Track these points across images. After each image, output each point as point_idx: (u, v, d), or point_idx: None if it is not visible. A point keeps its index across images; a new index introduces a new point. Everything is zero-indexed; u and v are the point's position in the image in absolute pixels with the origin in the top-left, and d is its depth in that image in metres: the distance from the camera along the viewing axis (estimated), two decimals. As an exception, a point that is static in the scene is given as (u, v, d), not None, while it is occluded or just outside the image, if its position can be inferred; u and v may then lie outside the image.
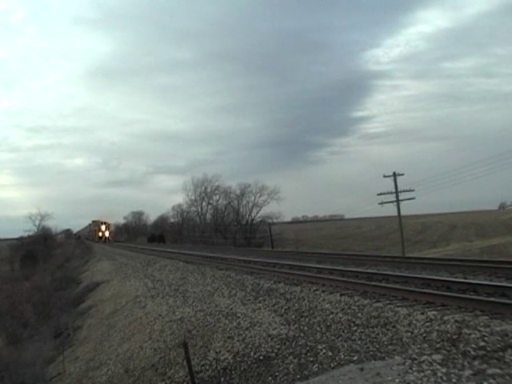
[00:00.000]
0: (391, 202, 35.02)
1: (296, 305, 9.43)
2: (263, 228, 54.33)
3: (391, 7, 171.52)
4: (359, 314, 7.79)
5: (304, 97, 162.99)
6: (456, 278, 10.26)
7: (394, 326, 6.87)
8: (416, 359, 5.56)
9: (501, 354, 5.20)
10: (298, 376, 6.74)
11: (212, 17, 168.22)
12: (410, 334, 6.47)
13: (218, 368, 8.40)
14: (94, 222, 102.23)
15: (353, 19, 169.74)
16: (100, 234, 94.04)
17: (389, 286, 9.49)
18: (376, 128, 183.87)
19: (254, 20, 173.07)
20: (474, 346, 5.51)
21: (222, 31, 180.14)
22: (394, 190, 34.62)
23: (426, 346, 5.94)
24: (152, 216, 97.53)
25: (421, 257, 21.46)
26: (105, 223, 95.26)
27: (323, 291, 9.94)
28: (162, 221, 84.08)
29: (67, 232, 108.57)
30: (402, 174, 35.01)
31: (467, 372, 4.94)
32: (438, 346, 5.85)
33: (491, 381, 4.66)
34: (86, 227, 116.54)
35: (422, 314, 6.96)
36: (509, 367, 4.89)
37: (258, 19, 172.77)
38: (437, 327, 6.33)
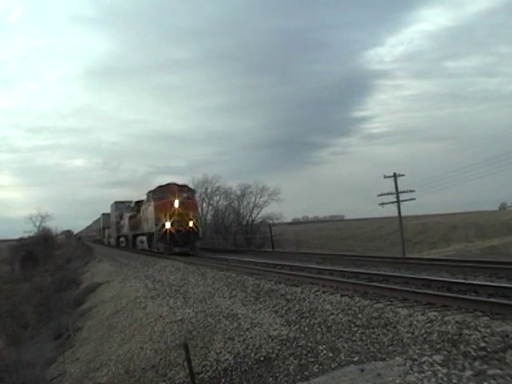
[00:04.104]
0: (392, 202, 35.05)
1: (297, 306, 9.43)
2: (264, 229, 54.33)
3: (393, 5, 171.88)
4: (360, 315, 7.79)
5: (305, 96, 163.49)
6: (456, 278, 10.27)
7: (394, 327, 6.87)
8: (417, 360, 5.56)
9: (501, 354, 5.20)
10: (299, 377, 6.74)
11: (211, 15, 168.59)
12: (410, 334, 6.47)
13: (219, 369, 8.40)
14: (117, 203, 48.22)
15: (354, 18, 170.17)
16: (168, 224, 25.31)
17: (389, 286, 9.50)
18: (378, 128, 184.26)
19: (254, 19, 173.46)
20: (474, 346, 5.51)
21: (222, 30, 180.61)
22: (394, 191, 34.66)
23: (426, 346, 5.94)
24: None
25: (421, 257, 21.48)
26: (182, 188, 27.74)
27: (324, 292, 9.95)
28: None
29: (68, 233, 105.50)
30: (403, 175, 35.08)
31: (468, 373, 4.94)
32: (438, 346, 5.85)
33: (492, 381, 4.67)
34: (95, 223, 77.06)
35: (423, 314, 6.96)
36: (509, 368, 4.89)
37: (258, 18, 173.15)
38: (437, 328, 6.33)
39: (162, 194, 27.05)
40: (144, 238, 31.23)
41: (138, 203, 34.92)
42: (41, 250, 56.96)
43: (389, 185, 34.69)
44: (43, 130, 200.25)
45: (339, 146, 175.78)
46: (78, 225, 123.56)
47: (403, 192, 34.58)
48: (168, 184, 27.78)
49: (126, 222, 40.31)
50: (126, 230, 41.12)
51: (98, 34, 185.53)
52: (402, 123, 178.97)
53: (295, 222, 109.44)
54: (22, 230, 71.36)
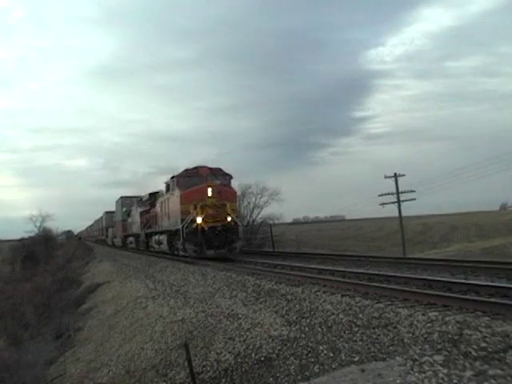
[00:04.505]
0: (392, 202, 35.10)
1: (297, 306, 9.42)
2: (264, 229, 54.34)
3: (394, 5, 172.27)
4: (360, 315, 7.78)
5: (306, 96, 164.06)
6: (457, 278, 10.26)
7: (395, 327, 6.87)
8: (417, 360, 5.56)
9: (502, 354, 5.20)
10: (299, 377, 6.74)
11: (213, 16, 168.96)
12: (411, 334, 6.46)
13: (219, 369, 8.40)
14: (123, 199, 44.07)
15: (355, 18, 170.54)
16: (200, 219, 19.45)
17: (390, 286, 9.49)
18: (378, 128, 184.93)
19: (255, 19, 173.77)
20: (475, 346, 5.51)
21: (223, 30, 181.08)
22: (395, 191, 34.68)
23: (427, 346, 5.94)
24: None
25: (422, 257, 21.46)
26: (216, 171, 21.82)
27: (324, 292, 9.93)
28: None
29: (68, 233, 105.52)
30: (404, 175, 35.13)
31: (468, 373, 4.94)
32: (439, 346, 5.84)
33: (492, 381, 4.67)
34: (96, 222, 75.19)
35: (423, 314, 6.95)
36: (510, 368, 4.89)
37: (259, 18, 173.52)
38: (438, 328, 6.32)
39: (190, 179, 21.14)
40: (163, 238, 24.78)
41: (154, 195, 29.52)
42: (41, 251, 57.00)
43: (390, 185, 34.76)
44: (44, 130, 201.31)
45: (340, 146, 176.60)
46: (79, 225, 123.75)
47: (404, 192, 34.64)
48: (197, 167, 21.70)
49: (136, 218, 34.33)
50: (136, 228, 34.94)
51: (99, 35, 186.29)
52: (403, 123, 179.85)
53: (296, 223, 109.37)
54: (22, 231, 71.54)
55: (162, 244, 25.24)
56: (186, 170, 21.76)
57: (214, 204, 19.83)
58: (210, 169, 21.69)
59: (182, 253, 21.41)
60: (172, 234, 22.73)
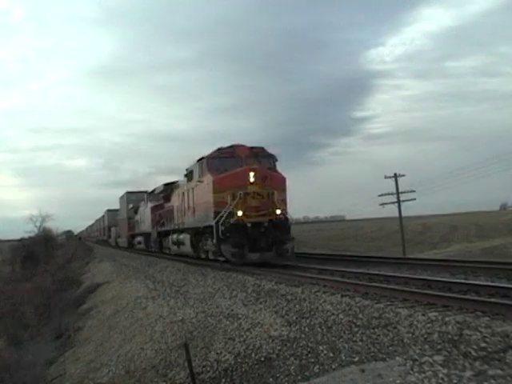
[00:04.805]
0: (392, 203, 35.11)
1: (297, 306, 9.43)
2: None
3: (394, 5, 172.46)
4: (360, 315, 7.79)
5: (306, 96, 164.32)
6: (457, 278, 10.27)
7: (395, 327, 6.87)
8: (417, 360, 5.56)
9: (502, 354, 5.20)
10: (299, 377, 6.74)
11: (213, 16, 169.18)
12: (411, 335, 6.47)
13: (219, 369, 8.40)
14: (129, 194, 41.87)
15: (355, 18, 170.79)
16: (240, 212, 15.10)
17: (390, 287, 9.50)
18: (379, 128, 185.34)
19: (255, 19, 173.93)
20: (475, 346, 5.51)
21: (223, 30, 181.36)
22: (395, 191, 34.71)
23: (427, 347, 5.94)
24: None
25: (422, 257, 21.48)
26: (259, 151, 16.94)
27: (324, 292, 9.95)
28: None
29: (68, 233, 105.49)
30: (403, 175, 35.14)
31: (468, 373, 4.94)
32: (439, 347, 5.85)
33: (492, 381, 4.67)
34: (97, 221, 72.89)
35: (423, 315, 6.96)
36: (510, 368, 4.90)
37: (259, 18, 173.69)
38: (438, 328, 6.33)
39: (224, 161, 16.49)
40: (184, 237, 20.26)
41: (170, 186, 24.89)
42: (41, 251, 56.98)
43: (390, 185, 34.79)
44: (44, 130, 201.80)
45: (340, 146, 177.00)
46: (79, 225, 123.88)
47: (404, 192, 34.65)
48: (233, 146, 16.92)
49: (146, 215, 30.38)
50: (146, 226, 30.67)
51: (99, 35, 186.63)
52: (403, 123, 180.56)
53: (296, 223, 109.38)
54: (22, 231, 71.36)
55: (183, 245, 20.86)
56: (219, 150, 16.97)
57: (258, 193, 15.60)
58: (250, 148, 17.04)
59: (212, 256, 17.25)
60: (198, 233, 18.27)
